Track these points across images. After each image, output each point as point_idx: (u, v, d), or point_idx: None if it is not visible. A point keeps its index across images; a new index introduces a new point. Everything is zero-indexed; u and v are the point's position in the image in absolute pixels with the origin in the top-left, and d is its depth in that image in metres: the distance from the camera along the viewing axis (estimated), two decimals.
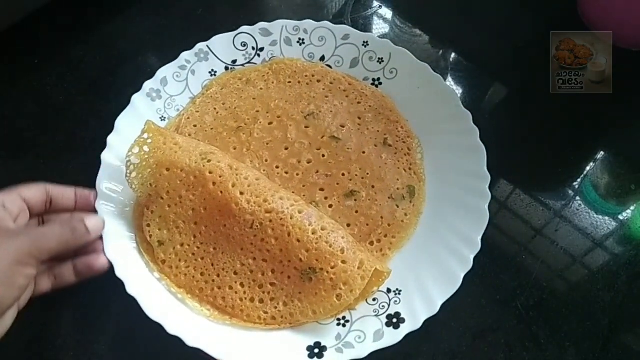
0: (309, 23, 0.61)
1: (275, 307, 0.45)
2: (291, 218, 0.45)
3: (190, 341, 0.42)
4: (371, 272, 0.44)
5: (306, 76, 0.60)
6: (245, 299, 0.45)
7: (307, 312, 0.44)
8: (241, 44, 0.60)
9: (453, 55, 0.68)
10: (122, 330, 0.47)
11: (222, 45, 0.60)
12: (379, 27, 0.71)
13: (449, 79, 0.65)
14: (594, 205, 0.56)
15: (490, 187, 0.49)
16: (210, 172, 0.47)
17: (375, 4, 0.73)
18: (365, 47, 0.60)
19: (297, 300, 0.44)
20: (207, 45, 0.59)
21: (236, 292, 0.45)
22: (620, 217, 0.55)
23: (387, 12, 0.72)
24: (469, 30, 0.71)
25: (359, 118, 0.57)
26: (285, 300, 0.45)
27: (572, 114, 0.62)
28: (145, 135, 0.48)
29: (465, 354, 0.47)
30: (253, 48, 0.60)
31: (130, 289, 0.43)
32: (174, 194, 0.47)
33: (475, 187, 0.50)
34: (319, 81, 0.60)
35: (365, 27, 0.70)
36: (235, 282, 0.46)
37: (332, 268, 0.44)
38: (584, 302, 0.50)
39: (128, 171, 0.47)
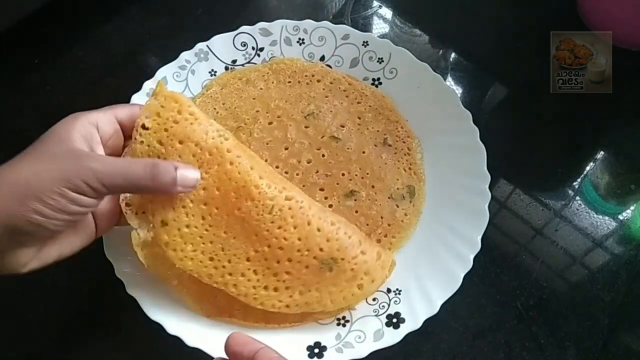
0: (308, 23, 0.61)
1: (291, 296, 0.42)
2: (310, 208, 0.44)
3: (191, 341, 0.42)
4: (389, 262, 0.45)
5: (306, 76, 0.60)
6: (259, 286, 0.42)
7: (325, 301, 0.43)
8: (241, 43, 0.60)
9: (453, 55, 0.68)
10: (122, 329, 0.47)
11: (222, 45, 0.59)
12: (379, 27, 0.71)
13: (449, 78, 0.65)
14: (593, 205, 0.56)
15: (490, 187, 0.49)
16: (228, 151, 0.43)
17: (375, 3, 0.73)
18: (365, 47, 0.60)
19: (315, 289, 0.43)
20: (207, 45, 0.59)
21: (249, 280, 0.42)
22: (620, 217, 0.55)
23: (387, 12, 0.72)
24: (469, 30, 0.71)
25: (359, 118, 0.57)
26: (302, 290, 0.43)
27: (572, 114, 0.62)
28: (156, 101, 0.43)
29: (465, 354, 0.47)
30: (253, 48, 0.60)
31: (130, 289, 0.43)
32: None
33: (475, 187, 0.50)
34: (318, 81, 0.60)
35: (365, 27, 0.70)
36: (249, 269, 0.42)
37: (353, 258, 0.43)
38: (584, 302, 0.50)
39: (135, 139, 0.42)
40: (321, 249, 0.43)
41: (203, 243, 0.42)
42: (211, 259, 0.42)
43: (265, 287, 0.42)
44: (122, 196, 0.41)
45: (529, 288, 0.50)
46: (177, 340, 0.42)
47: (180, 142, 0.41)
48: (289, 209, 0.43)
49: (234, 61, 0.60)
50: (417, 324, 0.44)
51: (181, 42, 0.58)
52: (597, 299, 0.50)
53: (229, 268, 0.42)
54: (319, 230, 0.43)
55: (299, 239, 0.43)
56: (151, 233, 0.41)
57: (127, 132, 0.42)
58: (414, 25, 0.71)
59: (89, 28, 0.68)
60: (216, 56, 0.59)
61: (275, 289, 0.42)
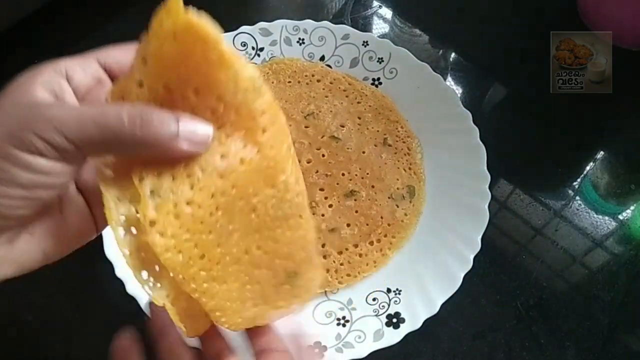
0: (308, 23, 0.61)
1: (250, 310, 0.32)
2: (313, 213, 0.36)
3: (189, 342, 0.42)
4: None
5: (306, 76, 0.60)
6: (235, 299, 0.31)
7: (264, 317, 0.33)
8: (241, 43, 0.60)
9: (453, 55, 0.68)
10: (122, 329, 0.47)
11: None
12: (379, 27, 0.71)
13: (449, 78, 0.65)
14: (593, 205, 0.56)
15: (490, 187, 0.49)
16: (263, 113, 0.28)
17: (375, 3, 0.73)
18: (365, 46, 0.60)
19: (265, 303, 0.32)
20: None
21: (228, 290, 0.30)
22: (620, 217, 0.55)
23: (387, 12, 0.72)
24: (468, 30, 0.71)
25: (359, 118, 0.57)
26: (258, 303, 0.32)
27: (572, 114, 0.62)
28: (168, 25, 0.26)
29: (465, 354, 0.47)
30: (253, 48, 0.60)
31: (131, 289, 0.43)
32: None
33: (475, 186, 0.50)
34: (318, 81, 0.60)
35: (365, 26, 0.70)
36: (233, 276, 0.30)
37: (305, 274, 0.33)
38: (584, 302, 0.50)
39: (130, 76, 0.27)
40: (294, 261, 0.32)
41: (202, 233, 0.28)
42: (202, 256, 0.28)
43: (241, 299, 0.31)
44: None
45: (529, 288, 0.50)
46: None
47: (197, 93, 0.27)
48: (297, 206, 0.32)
49: None
50: (417, 324, 0.44)
51: None
52: (597, 299, 0.50)
53: (215, 272, 0.29)
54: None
55: (287, 246, 0.32)
56: (132, 208, 0.27)
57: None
58: (413, 25, 0.71)
59: (89, 28, 0.68)
60: None
61: (242, 302, 0.31)
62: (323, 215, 0.51)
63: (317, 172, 0.53)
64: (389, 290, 0.47)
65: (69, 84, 0.28)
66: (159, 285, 0.28)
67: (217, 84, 0.26)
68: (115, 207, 0.27)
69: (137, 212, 0.27)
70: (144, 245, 0.27)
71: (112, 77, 0.30)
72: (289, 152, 0.31)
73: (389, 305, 0.46)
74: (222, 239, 0.29)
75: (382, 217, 0.51)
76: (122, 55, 0.30)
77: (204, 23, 0.26)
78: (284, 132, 0.30)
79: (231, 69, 0.26)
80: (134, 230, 0.27)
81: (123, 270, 0.44)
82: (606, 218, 0.55)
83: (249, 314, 0.31)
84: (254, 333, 0.33)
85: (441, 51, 0.69)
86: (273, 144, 0.29)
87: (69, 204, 0.29)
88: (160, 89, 0.26)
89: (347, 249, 0.50)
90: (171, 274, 0.28)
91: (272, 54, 0.61)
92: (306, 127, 0.56)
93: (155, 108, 0.26)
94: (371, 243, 0.50)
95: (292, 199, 0.31)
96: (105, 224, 0.29)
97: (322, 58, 0.61)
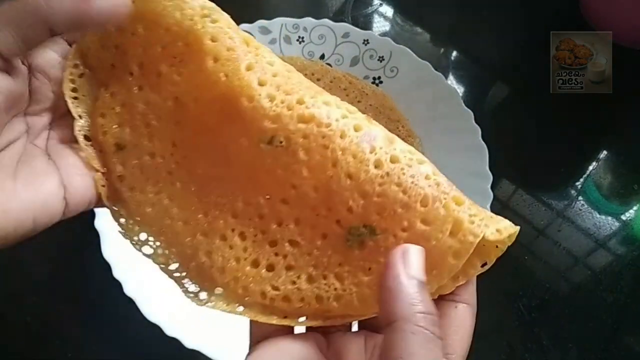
0: (308, 21, 0.60)
1: (294, 282, 0.26)
2: (341, 137, 0.26)
3: (189, 343, 0.41)
4: (473, 245, 0.25)
5: (306, 75, 0.59)
6: (245, 259, 0.27)
7: (350, 298, 0.26)
8: None
9: (454, 53, 0.68)
10: (121, 331, 0.47)
11: None
12: (380, 25, 0.71)
13: (450, 77, 0.65)
14: (596, 205, 0.56)
15: (492, 187, 0.49)
16: (212, 40, 0.27)
17: (376, 1, 0.72)
18: (366, 45, 0.59)
19: (334, 276, 0.26)
20: None
21: (231, 247, 0.27)
22: (623, 217, 0.55)
23: (387, 10, 0.72)
24: (469, 29, 0.70)
25: None
26: (313, 274, 0.26)
27: (574, 114, 0.62)
28: None
29: (467, 355, 0.47)
30: None
31: (129, 290, 0.43)
32: (150, 68, 0.28)
33: (477, 187, 0.50)
34: (318, 80, 0.59)
35: (366, 25, 0.70)
36: (232, 230, 0.27)
37: (403, 231, 0.25)
38: (587, 303, 0.50)
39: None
40: (350, 209, 0.26)
41: (171, 183, 0.28)
42: (180, 207, 0.28)
43: (255, 262, 0.27)
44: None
45: (531, 289, 0.50)
46: (175, 341, 0.41)
47: (145, 28, 0.28)
48: (304, 137, 0.26)
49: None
50: None
51: None
52: (599, 300, 0.50)
53: (202, 225, 0.27)
54: (349, 177, 0.25)
55: (316, 190, 0.26)
56: (94, 159, 0.28)
57: None
58: (414, 23, 0.71)
59: None
60: None
61: (270, 267, 0.27)
62: None
63: None
64: None
65: None
66: (158, 243, 0.28)
67: (165, 15, 0.27)
68: (106, 182, 0.28)
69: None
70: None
71: None
72: (262, 72, 0.27)
73: None
74: (200, 187, 0.28)
75: None
76: None
77: None
78: (254, 55, 0.27)
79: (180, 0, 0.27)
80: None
81: (121, 272, 0.44)
82: (609, 218, 0.55)
83: (297, 289, 0.26)
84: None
85: (442, 50, 0.69)
86: (229, 70, 0.26)
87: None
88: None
89: None
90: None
91: None
92: None
93: None
94: None
95: (279, 124, 0.26)
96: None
97: (322, 57, 0.61)
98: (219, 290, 0.27)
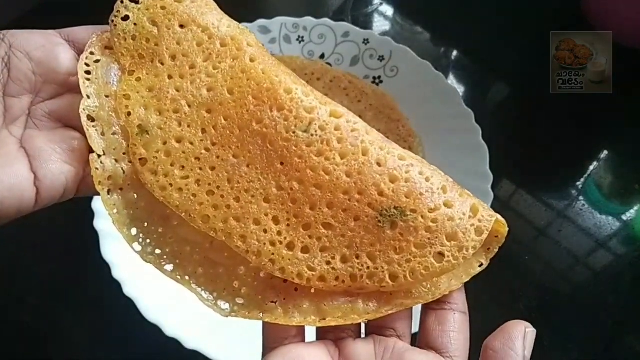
0: (308, 20, 0.60)
1: (328, 263, 0.28)
2: (367, 133, 0.30)
3: (189, 343, 0.41)
4: (491, 222, 0.29)
5: (306, 74, 0.59)
6: (280, 243, 0.28)
7: (383, 276, 0.28)
8: None
9: (454, 53, 0.68)
10: (121, 331, 0.47)
11: None
12: (380, 24, 0.71)
13: (451, 77, 0.65)
14: (597, 205, 0.55)
15: (492, 187, 0.49)
16: (249, 45, 0.31)
17: (376, 1, 0.72)
18: (366, 44, 0.59)
19: (367, 256, 0.28)
20: None
21: (265, 231, 0.28)
22: (624, 217, 0.55)
23: (388, 10, 0.72)
24: (470, 28, 0.70)
25: (360, 117, 0.56)
26: (346, 254, 0.28)
27: (574, 114, 0.62)
28: None
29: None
30: None
31: (128, 291, 0.43)
32: (184, 61, 0.30)
33: (477, 187, 0.49)
34: (318, 79, 0.59)
35: (366, 24, 0.69)
36: (266, 215, 0.28)
37: (431, 211, 0.28)
38: (588, 304, 0.50)
39: (117, 14, 0.31)
40: (381, 193, 0.28)
41: (200, 168, 0.29)
42: (210, 192, 0.28)
43: (290, 245, 0.28)
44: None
45: (532, 289, 0.50)
46: (174, 342, 0.41)
47: (182, 26, 0.30)
48: (336, 129, 0.29)
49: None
50: (417, 325, 0.43)
51: None
52: (600, 300, 0.50)
53: (236, 210, 0.28)
54: (379, 164, 0.29)
55: (348, 175, 0.28)
56: (118, 165, 0.28)
57: None
58: (415, 22, 0.70)
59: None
60: None
61: (305, 249, 0.28)
62: None
63: None
64: None
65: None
66: (148, 240, 0.28)
67: (201, 18, 0.31)
68: (101, 165, 0.28)
69: (124, 158, 0.28)
70: (131, 203, 0.28)
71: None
72: (288, 76, 0.31)
73: None
74: (231, 173, 0.28)
75: None
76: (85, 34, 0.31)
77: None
78: (278, 65, 0.31)
79: (215, 11, 0.32)
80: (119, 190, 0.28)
81: (120, 272, 0.43)
82: (610, 218, 0.55)
83: (332, 269, 0.28)
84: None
85: (443, 49, 0.68)
86: (265, 68, 0.30)
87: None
88: (147, 24, 0.30)
89: None
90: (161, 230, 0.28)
91: (271, 51, 0.60)
92: None
93: None
94: None
95: (315, 115, 0.29)
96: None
97: (322, 56, 0.60)
98: (240, 300, 0.28)
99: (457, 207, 0.29)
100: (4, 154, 0.27)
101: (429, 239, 0.28)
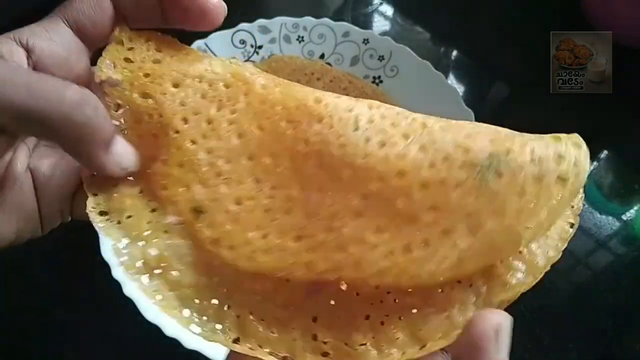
0: (308, 20, 0.60)
1: (456, 243, 0.23)
2: (414, 119, 0.26)
3: (189, 343, 0.41)
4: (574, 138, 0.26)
5: (305, 74, 0.59)
6: (392, 253, 0.24)
7: (511, 236, 0.23)
8: (240, 41, 0.59)
9: (454, 53, 0.68)
10: (121, 331, 0.47)
11: (221, 42, 0.59)
12: (380, 24, 0.71)
13: (451, 77, 0.65)
14: (597, 205, 0.55)
15: None
16: (250, 73, 0.28)
17: (376, 1, 0.72)
18: (366, 44, 0.59)
19: (492, 217, 0.23)
20: (205, 43, 0.58)
21: (373, 247, 0.24)
22: (624, 217, 0.55)
23: (387, 9, 0.72)
24: (469, 28, 0.70)
25: None
26: (466, 227, 0.24)
27: (573, 114, 0.62)
28: (118, 45, 0.26)
29: None
30: (252, 46, 0.60)
31: (127, 290, 0.42)
32: (196, 119, 0.26)
33: None
34: (318, 79, 0.59)
35: (366, 24, 0.69)
36: (366, 230, 0.24)
37: (523, 146, 0.25)
38: (587, 304, 0.50)
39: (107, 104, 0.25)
40: (467, 150, 0.24)
41: (272, 220, 0.25)
42: (298, 238, 0.24)
43: (407, 248, 0.24)
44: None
45: (531, 289, 0.50)
46: (175, 341, 0.41)
47: (176, 85, 0.26)
48: (382, 117, 0.26)
49: (233, 59, 0.59)
50: None
51: (179, 39, 0.57)
52: (600, 300, 0.50)
53: (332, 242, 0.24)
54: (443, 130, 0.25)
55: (423, 150, 0.24)
56: (145, 249, 0.25)
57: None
58: (415, 22, 0.70)
59: None
60: (214, 54, 0.59)
61: (424, 245, 0.24)
62: None
63: None
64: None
65: (30, 55, 0.24)
66: (205, 318, 0.24)
67: (191, 68, 0.27)
68: (128, 251, 0.24)
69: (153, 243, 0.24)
70: (174, 283, 0.25)
71: (87, 40, 0.26)
72: (309, 88, 0.27)
73: None
74: (306, 209, 0.24)
75: None
76: (94, 11, 0.25)
77: (153, 32, 0.28)
78: (285, 81, 0.28)
79: (199, 55, 0.28)
80: (157, 271, 0.24)
81: (119, 272, 0.43)
82: (610, 218, 0.55)
83: (458, 248, 0.23)
84: None
85: (443, 49, 0.68)
86: (282, 89, 0.27)
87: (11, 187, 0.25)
88: (139, 100, 0.26)
89: None
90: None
91: (271, 51, 0.60)
92: None
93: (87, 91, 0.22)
94: None
95: (356, 112, 0.25)
96: (52, 216, 0.28)
97: (322, 56, 0.60)
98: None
99: (540, 140, 0.25)
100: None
101: (538, 171, 0.24)
